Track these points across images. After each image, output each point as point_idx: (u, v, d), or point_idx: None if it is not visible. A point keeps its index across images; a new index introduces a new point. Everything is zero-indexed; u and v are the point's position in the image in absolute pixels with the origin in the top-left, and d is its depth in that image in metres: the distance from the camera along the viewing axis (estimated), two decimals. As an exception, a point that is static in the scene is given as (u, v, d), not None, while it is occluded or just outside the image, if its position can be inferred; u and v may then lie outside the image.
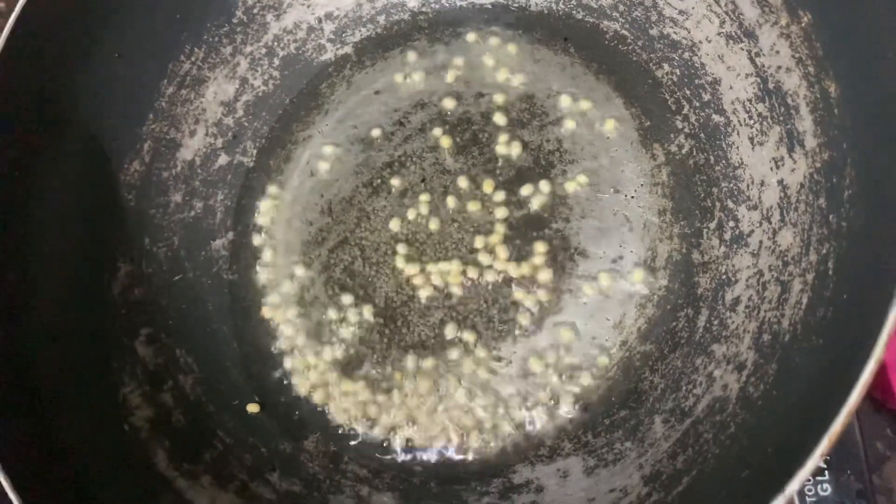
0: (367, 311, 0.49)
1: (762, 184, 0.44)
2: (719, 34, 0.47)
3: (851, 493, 0.46)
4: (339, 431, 0.47)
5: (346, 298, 0.49)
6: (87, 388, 0.45)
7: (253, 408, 0.48)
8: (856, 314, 0.34)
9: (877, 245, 0.34)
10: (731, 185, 0.45)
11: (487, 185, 0.50)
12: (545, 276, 0.47)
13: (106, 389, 0.46)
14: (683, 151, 0.48)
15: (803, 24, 0.41)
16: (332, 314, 0.49)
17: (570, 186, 0.49)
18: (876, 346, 0.28)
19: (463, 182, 0.50)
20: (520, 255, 0.48)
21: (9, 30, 0.44)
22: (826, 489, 0.46)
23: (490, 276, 0.48)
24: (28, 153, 0.46)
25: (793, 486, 0.29)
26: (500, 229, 0.48)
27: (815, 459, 0.28)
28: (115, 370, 0.47)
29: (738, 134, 0.46)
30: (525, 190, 0.49)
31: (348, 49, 0.56)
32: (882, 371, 0.47)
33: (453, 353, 0.47)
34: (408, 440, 0.46)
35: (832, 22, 0.40)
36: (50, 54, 0.47)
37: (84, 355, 0.46)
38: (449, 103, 0.52)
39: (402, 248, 0.49)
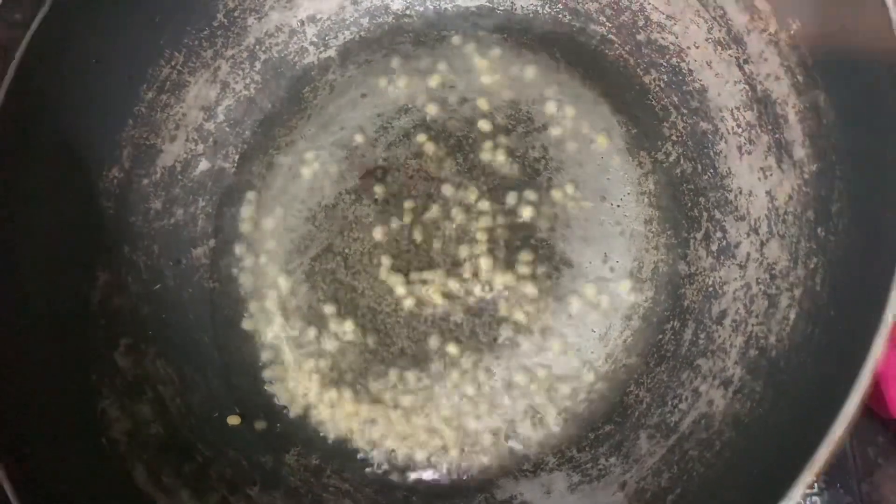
0: (350, 322, 0.48)
1: (750, 194, 0.43)
2: (707, 40, 0.46)
3: (842, 506, 0.45)
4: (321, 444, 0.47)
5: (329, 309, 0.48)
6: (64, 401, 0.44)
7: (234, 420, 0.47)
8: (843, 334, 0.33)
9: (865, 262, 0.34)
10: (719, 194, 0.45)
11: (472, 194, 0.49)
12: (530, 286, 0.46)
13: (84, 402, 0.45)
14: (671, 159, 0.47)
15: (792, 32, 0.40)
16: (315, 325, 0.48)
17: (556, 195, 0.48)
18: (861, 375, 0.27)
19: (447, 190, 0.49)
20: (504, 265, 0.47)
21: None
22: (815, 502, 0.45)
23: (474, 287, 0.47)
24: (4, 161, 0.45)
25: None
26: (485, 238, 0.48)
27: (801, 488, 0.27)
28: (93, 382, 0.46)
29: (726, 142, 0.45)
30: (510, 198, 0.48)
31: (331, 53, 0.55)
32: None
33: (437, 366, 0.46)
34: (390, 453, 0.45)
35: (821, 30, 0.39)
36: (26, 60, 0.46)
37: (61, 367, 0.45)
38: (433, 109, 0.51)
39: (385, 258, 0.48)
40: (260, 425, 0.48)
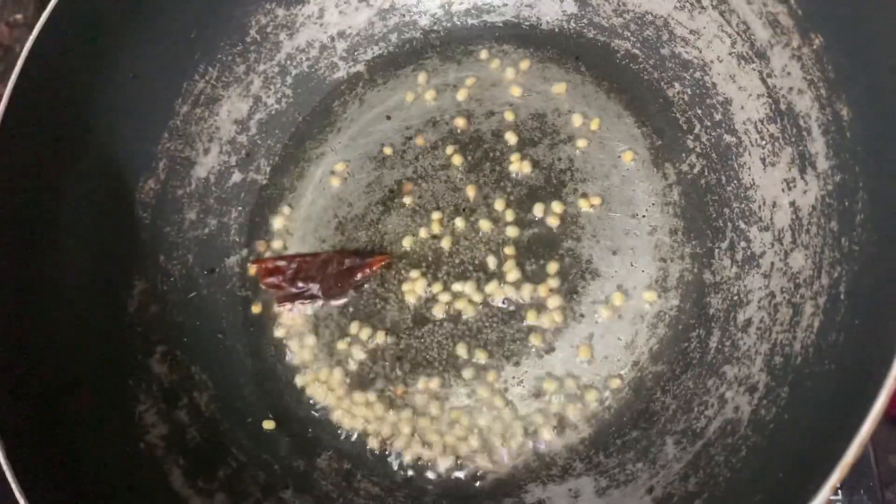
0: (380, 329, 0.49)
1: (774, 205, 0.44)
2: (731, 54, 0.47)
3: (865, 512, 0.46)
4: (352, 449, 0.47)
5: (357, 317, 0.50)
6: (104, 407, 0.45)
7: (269, 424, 0.48)
8: (867, 341, 0.34)
9: (889, 271, 0.34)
10: (743, 205, 0.45)
11: (499, 204, 0.50)
12: (557, 295, 0.47)
13: (122, 408, 0.46)
14: (695, 171, 0.48)
15: (815, 47, 0.41)
16: (345, 331, 0.50)
17: (582, 205, 0.49)
18: (887, 377, 0.28)
19: (474, 200, 0.50)
20: (531, 275, 0.48)
21: (27, 52, 0.45)
22: (839, 509, 0.46)
23: (501, 296, 0.48)
24: (46, 173, 0.47)
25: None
26: (512, 249, 0.49)
27: (827, 491, 0.28)
28: (130, 388, 0.47)
29: (749, 154, 0.46)
30: (537, 209, 0.49)
31: (360, 67, 0.56)
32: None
33: (465, 373, 0.47)
34: (420, 458, 0.46)
35: (844, 45, 0.40)
36: (67, 75, 0.47)
37: (100, 373, 0.46)
38: (460, 121, 0.53)
39: (413, 270, 0.50)
40: (291, 430, 0.48)
